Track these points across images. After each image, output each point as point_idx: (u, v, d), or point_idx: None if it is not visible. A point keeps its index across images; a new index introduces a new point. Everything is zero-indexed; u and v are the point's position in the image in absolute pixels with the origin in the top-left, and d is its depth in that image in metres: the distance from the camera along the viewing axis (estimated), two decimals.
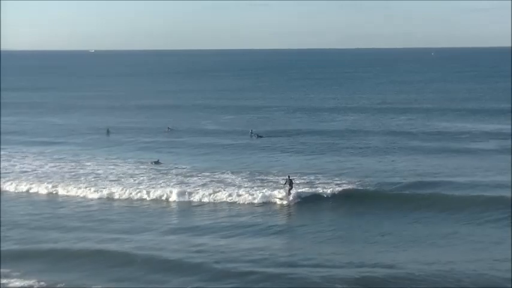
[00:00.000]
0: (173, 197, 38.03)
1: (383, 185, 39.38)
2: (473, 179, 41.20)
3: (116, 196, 38.89)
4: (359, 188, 38.55)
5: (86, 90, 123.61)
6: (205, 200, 37.53)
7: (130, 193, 38.99)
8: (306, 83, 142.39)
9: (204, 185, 40.38)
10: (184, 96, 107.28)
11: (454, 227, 31.77)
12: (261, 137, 61.08)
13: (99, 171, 45.49)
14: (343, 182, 39.81)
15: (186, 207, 36.74)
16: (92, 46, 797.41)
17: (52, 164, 48.62)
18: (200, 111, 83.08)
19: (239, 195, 37.19)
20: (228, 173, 43.79)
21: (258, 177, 42.12)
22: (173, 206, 37.35)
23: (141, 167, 47.18)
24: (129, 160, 49.90)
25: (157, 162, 49.00)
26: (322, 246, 29.06)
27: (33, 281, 25.10)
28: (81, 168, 46.71)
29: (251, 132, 62.42)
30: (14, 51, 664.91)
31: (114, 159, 50.65)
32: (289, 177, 36.61)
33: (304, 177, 41.38)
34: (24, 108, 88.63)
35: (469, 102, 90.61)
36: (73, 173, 44.96)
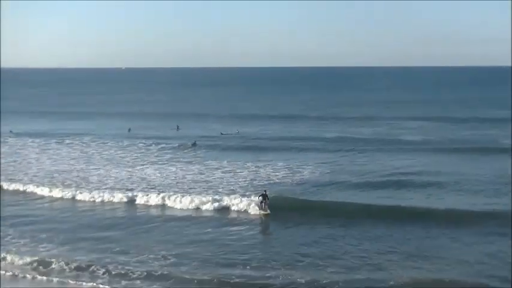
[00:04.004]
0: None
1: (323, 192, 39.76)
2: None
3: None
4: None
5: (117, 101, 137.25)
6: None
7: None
8: None
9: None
10: (197, 104, 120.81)
11: None
12: (195, 145, 57.55)
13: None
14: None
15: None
16: (121, 64, 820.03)
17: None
18: (207, 117, 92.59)
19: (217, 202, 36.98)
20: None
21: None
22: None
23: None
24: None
25: (194, 144, 54.75)
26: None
27: None
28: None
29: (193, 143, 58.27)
30: (49, 68, 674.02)
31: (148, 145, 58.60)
32: (265, 191, 35.75)
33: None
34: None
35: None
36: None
